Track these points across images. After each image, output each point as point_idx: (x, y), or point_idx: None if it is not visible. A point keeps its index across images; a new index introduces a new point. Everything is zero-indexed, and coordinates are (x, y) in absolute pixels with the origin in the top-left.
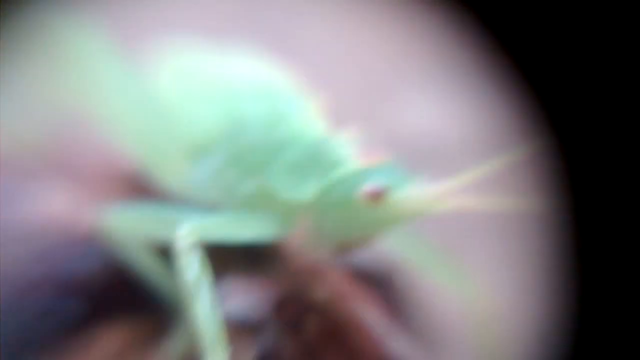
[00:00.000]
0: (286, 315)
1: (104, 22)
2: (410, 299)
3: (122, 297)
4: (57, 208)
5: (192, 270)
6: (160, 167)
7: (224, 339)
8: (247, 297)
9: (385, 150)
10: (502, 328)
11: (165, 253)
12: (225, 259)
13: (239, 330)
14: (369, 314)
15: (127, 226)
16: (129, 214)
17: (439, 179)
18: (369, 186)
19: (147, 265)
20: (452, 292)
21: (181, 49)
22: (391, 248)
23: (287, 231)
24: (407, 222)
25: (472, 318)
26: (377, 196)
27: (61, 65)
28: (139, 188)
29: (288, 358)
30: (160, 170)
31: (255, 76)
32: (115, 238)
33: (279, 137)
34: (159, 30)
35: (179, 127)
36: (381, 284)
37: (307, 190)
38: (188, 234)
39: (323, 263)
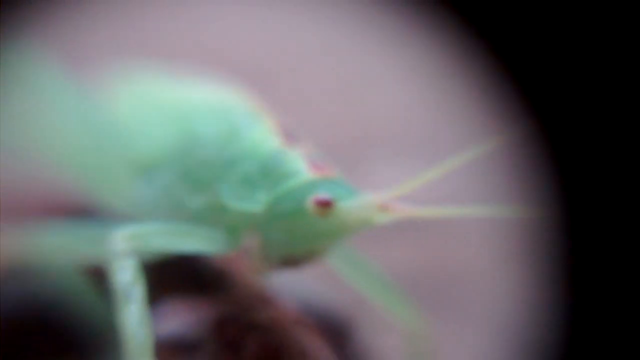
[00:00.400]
0: (226, 335)
1: (54, 46)
2: (358, 351)
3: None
4: None
5: (123, 276)
6: (107, 186)
7: (151, 352)
8: (186, 316)
9: (334, 165)
10: None
11: (100, 278)
12: (165, 276)
13: (175, 349)
14: (312, 343)
15: (56, 246)
16: (58, 233)
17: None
18: (317, 197)
19: (78, 291)
20: (393, 318)
21: (134, 71)
22: (338, 270)
23: (235, 244)
24: (355, 232)
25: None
26: (325, 206)
27: (8, 89)
28: (79, 209)
29: None
30: (106, 190)
31: (209, 95)
32: (42, 261)
33: (231, 153)
34: (111, 54)
35: (129, 146)
36: (332, 328)
37: (256, 202)
38: (122, 239)
39: (270, 286)
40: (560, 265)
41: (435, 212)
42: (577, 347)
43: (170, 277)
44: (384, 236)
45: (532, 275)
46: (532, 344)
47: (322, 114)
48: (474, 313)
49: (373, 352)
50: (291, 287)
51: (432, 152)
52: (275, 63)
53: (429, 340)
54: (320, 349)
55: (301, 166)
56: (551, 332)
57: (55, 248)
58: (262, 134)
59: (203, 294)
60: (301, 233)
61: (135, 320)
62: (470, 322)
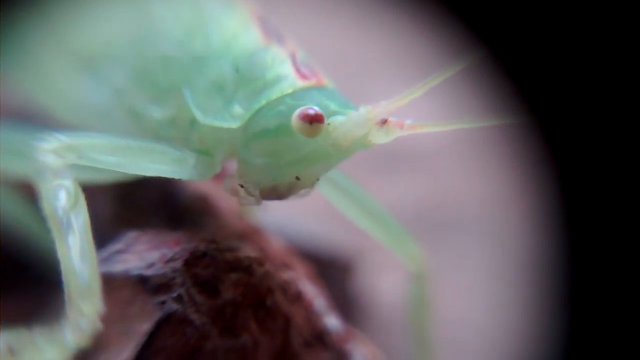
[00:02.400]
0: (200, 275)
1: None
2: (356, 292)
3: None
4: None
5: (54, 199)
6: (43, 83)
7: (98, 293)
8: (153, 252)
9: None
10: (433, 303)
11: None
12: (127, 205)
13: (137, 292)
14: (301, 286)
15: None
16: None
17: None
18: (305, 110)
19: (14, 213)
20: (391, 250)
21: None
22: (331, 201)
23: (208, 170)
24: (349, 154)
25: (407, 292)
26: (314, 122)
27: None
28: (9, 111)
29: (197, 323)
30: (42, 88)
31: None
32: None
33: (197, 49)
34: None
35: (69, 34)
36: (330, 268)
37: (233, 115)
38: (52, 149)
39: (253, 221)
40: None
41: (436, 126)
42: (578, 273)
43: (133, 206)
44: (387, 168)
45: (534, 209)
46: (533, 279)
47: None
48: (475, 246)
49: (374, 290)
50: (280, 224)
51: None
52: None
53: (426, 272)
54: (310, 292)
55: (286, 70)
56: (553, 267)
57: None
58: (236, 25)
59: (173, 228)
60: (286, 156)
61: (76, 254)
62: (471, 255)
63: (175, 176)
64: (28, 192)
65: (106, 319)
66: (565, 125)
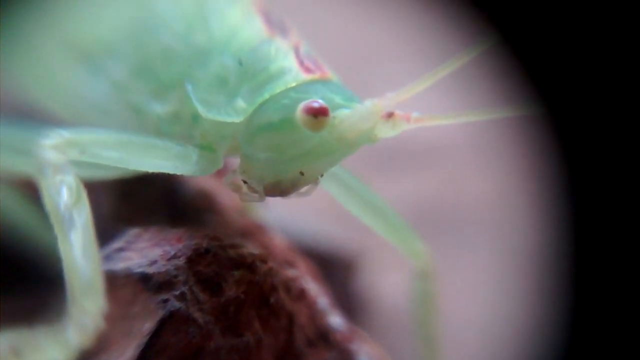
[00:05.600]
0: (203, 273)
1: None
2: (358, 290)
3: None
4: None
5: (57, 195)
6: (41, 79)
7: (101, 291)
8: (155, 249)
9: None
10: (438, 301)
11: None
12: (129, 201)
13: (140, 289)
14: (304, 284)
15: None
16: None
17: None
18: (309, 104)
19: (14, 210)
20: (396, 247)
21: None
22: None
23: (211, 165)
24: (354, 149)
25: (412, 289)
26: (319, 115)
27: None
28: (7, 108)
29: (200, 322)
30: (40, 84)
31: None
32: None
33: (199, 42)
34: None
35: (67, 26)
36: (334, 265)
37: (236, 110)
38: (54, 146)
39: (257, 218)
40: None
41: (444, 119)
42: (582, 272)
43: (134, 203)
44: (391, 166)
45: (538, 207)
46: (537, 277)
47: None
48: (480, 243)
49: (376, 289)
50: (284, 222)
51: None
52: None
53: (431, 269)
54: (313, 290)
55: (290, 63)
56: (557, 264)
57: None
58: (239, 17)
59: (175, 225)
60: (290, 151)
61: (78, 251)
62: (473, 253)
63: (178, 172)
64: (29, 190)
65: (108, 319)
66: (575, 122)
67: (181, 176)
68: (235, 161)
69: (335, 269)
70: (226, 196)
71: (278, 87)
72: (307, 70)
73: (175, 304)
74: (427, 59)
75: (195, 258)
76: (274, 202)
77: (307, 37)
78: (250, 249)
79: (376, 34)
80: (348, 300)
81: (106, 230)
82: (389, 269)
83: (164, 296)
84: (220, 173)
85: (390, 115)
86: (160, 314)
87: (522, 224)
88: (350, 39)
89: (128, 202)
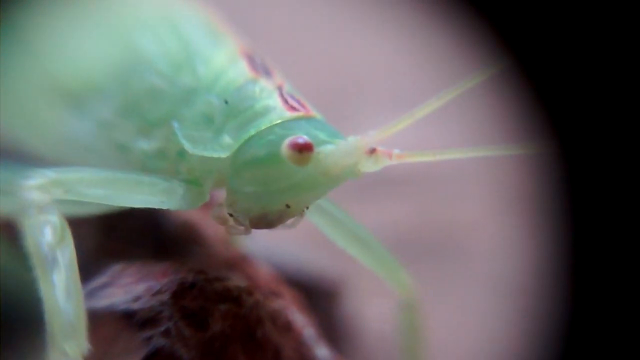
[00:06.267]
0: (188, 307)
1: None
2: (342, 318)
3: None
4: None
5: (40, 235)
6: (27, 120)
7: (84, 333)
8: (139, 285)
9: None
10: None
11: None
12: (112, 236)
13: (124, 326)
14: (290, 315)
15: None
16: None
17: None
18: (294, 140)
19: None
20: (381, 278)
21: None
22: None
23: (197, 199)
24: (338, 183)
25: (398, 321)
26: (304, 151)
27: None
28: None
29: (185, 358)
30: (26, 125)
31: (158, 7)
32: None
33: (185, 82)
34: None
35: (53, 69)
36: (318, 294)
37: (222, 146)
38: (38, 186)
39: (242, 250)
40: (559, 219)
41: (427, 156)
42: (577, 300)
43: (117, 237)
44: (372, 194)
45: (529, 231)
46: (529, 301)
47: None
48: (467, 271)
49: (361, 317)
50: (267, 251)
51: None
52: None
53: (416, 300)
54: (299, 322)
55: (275, 102)
56: (551, 289)
57: None
58: (224, 60)
59: (160, 258)
60: (276, 184)
61: (61, 292)
62: (463, 280)
63: (164, 207)
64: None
65: (89, 358)
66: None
67: (164, 209)
68: (222, 194)
69: (319, 296)
70: (210, 227)
71: (263, 124)
72: (292, 108)
73: (160, 341)
74: (426, 74)
75: (180, 293)
76: (258, 231)
77: (309, 57)
78: (236, 281)
79: (372, 50)
80: (333, 328)
81: (89, 265)
82: (373, 295)
83: (148, 333)
84: (206, 206)
85: (372, 151)
86: (144, 351)
87: (502, 250)
88: (348, 56)
89: (111, 235)
